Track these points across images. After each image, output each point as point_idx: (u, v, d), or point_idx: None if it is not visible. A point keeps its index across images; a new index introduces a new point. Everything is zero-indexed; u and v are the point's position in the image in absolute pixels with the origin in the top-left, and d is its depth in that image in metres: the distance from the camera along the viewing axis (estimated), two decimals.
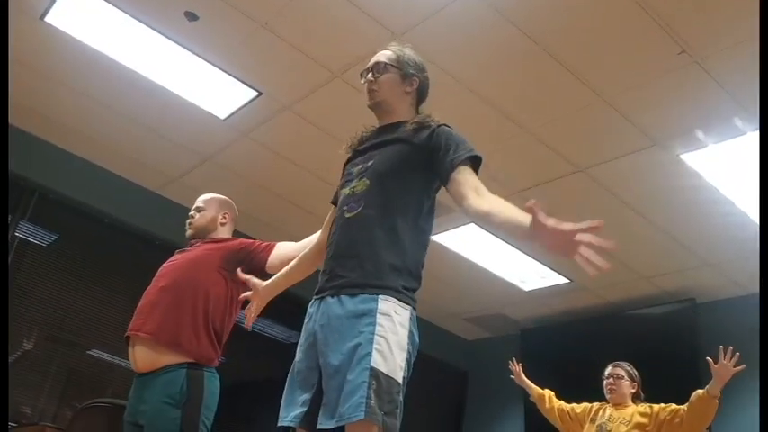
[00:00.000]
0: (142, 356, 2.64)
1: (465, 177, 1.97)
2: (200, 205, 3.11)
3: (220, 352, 2.77)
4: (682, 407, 3.72)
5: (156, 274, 2.88)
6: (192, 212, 3.10)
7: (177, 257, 2.91)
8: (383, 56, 2.24)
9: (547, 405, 4.28)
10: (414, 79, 2.21)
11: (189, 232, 3.05)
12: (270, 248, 2.81)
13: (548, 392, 4.34)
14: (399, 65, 2.21)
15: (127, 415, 2.71)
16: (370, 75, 2.21)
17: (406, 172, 2.04)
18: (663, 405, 3.83)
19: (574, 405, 4.21)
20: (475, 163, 2.01)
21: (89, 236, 5.41)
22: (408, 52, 2.25)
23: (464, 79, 3.85)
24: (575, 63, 3.63)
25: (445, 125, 2.10)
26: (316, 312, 1.98)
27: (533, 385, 4.41)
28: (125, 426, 2.70)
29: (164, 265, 2.93)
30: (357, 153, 2.22)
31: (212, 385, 2.65)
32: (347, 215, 2.04)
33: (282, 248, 2.81)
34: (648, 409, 3.86)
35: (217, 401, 2.66)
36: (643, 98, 3.77)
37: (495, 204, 1.87)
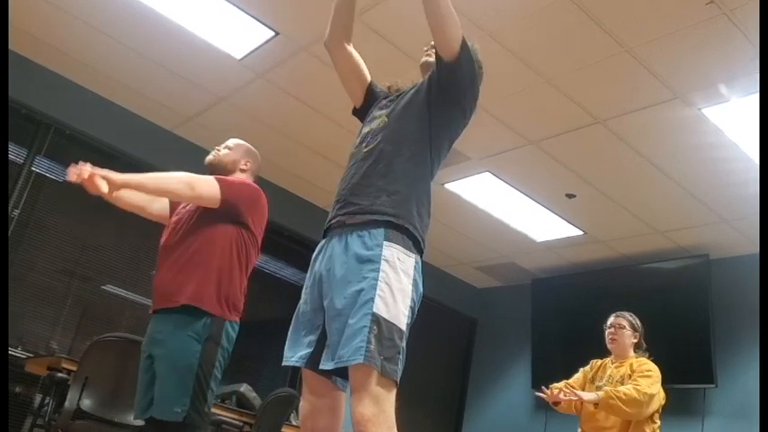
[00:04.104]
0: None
1: None
2: (230, 144, 3.11)
3: (242, 301, 2.79)
4: (633, 385, 3.67)
5: (162, 241, 2.89)
6: (219, 147, 3.10)
7: (180, 218, 2.90)
8: None
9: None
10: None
11: (210, 159, 3.03)
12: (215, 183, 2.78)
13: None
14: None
15: (143, 345, 2.76)
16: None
17: (422, 110, 2.11)
18: (639, 375, 3.76)
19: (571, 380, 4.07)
20: None
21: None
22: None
23: (484, 25, 3.77)
24: (598, 11, 3.53)
25: None
26: (322, 256, 2.01)
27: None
28: (141, 357, 2.75)
29: (170, 222, 2.94)
30: (390, 101, 2.28)
31: (231, 330, 2.70)
32: (364, 149, 2.10)
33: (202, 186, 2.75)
34: (629, 370, 3.83)
35: (233, 346, 2.72)
36: (667, 49, 3.68)
37: None
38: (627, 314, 4.08)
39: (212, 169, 2.99)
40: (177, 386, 2.51)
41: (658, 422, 3.78)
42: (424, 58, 2.32)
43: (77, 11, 4.35)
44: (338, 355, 1.80)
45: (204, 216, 2.77)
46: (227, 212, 2.75)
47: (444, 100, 2.13)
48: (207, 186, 2.72)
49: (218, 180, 2.76)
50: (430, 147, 2.10)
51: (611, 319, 4.08)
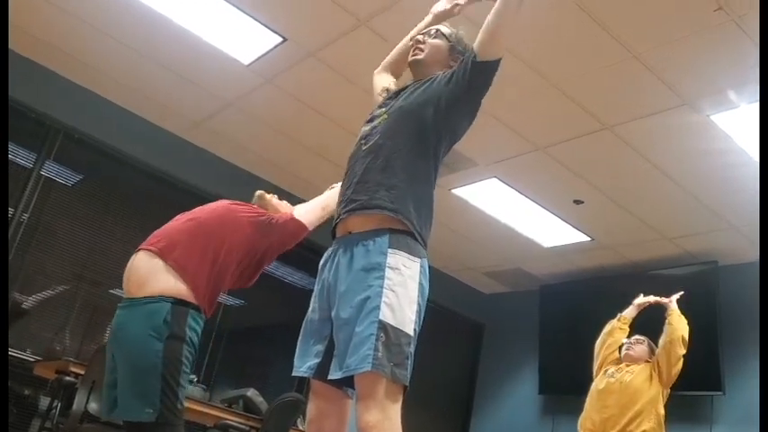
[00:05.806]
0: (139, 272, 2.63)
1: None
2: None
3: (213, 298, 2.71)
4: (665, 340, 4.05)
5: (177, 217, 2.89)
6: (272, 195, 3.15)
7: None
8: (440, 27, 2.39)
9: (619, 326, 4.33)
10: (458, 57, 2.26)
11: (262, 195, 3.08)
12: (291, 218, 2.86)
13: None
14: (452, 39, 2.34)
15: (108, 342, 2.68)
16: (422, 36, 2.35)
17: (427, 106, 2.10)
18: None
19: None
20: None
21: (112, 177, 5.47)
22: (462, 33, 2.38)
23: None
24: (605, 17, 3.53)
25: None
26: (330, 264, 2.02)
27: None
28: (107, 355, 2.67)
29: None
30: (388, 99, 2.29)
31: (194, 323, 2.59)
32: (364, 147, 2.11)
33: (300, 208, 2.94)
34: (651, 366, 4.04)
35: (198, 340, 2.62)
36: (675, 55, 3.68)
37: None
38: (648, 339, 4.24)
39: (263, 204, 3.03)
40: (144, 389, 2.45)
41: (663, 411, 3.92)
42: (412, 57, 2.32)
43: (85, 15, 4.37)
44: (346, 364, 1.79)
45: (236, 219, 2.78)
46: (269, 233, 2.79)
47: (461, 97, 2.10)
48: (311, 216, 2.95)
49: (304, 225, 2.91)
50: (432, 143, 2.09)
51: (634, 336, 4.27)
